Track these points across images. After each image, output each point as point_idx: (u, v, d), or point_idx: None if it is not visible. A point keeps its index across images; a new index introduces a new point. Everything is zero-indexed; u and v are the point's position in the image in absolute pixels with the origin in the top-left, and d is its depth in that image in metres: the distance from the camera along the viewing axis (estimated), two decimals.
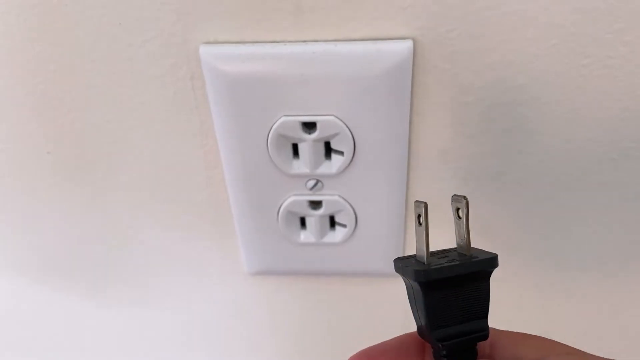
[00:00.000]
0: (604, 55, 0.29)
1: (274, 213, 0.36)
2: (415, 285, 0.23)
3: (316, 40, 0.30)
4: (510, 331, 0.25)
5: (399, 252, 0.38)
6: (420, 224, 0.23)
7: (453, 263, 0.23)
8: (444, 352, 0.23)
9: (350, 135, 0.32)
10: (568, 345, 0.23)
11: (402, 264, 0.24)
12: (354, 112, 0.31)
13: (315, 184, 0.35)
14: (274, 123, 0.32)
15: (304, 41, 0.30)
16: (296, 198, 0.35)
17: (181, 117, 0.34)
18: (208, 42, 0.30)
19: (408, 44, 0.29)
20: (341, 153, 0.33)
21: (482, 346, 0.25)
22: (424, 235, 0.23)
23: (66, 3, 0.30)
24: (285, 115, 0.32)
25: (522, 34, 0.29)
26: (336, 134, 0.32)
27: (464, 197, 0.24)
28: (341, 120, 0.31)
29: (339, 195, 0.35)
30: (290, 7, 0.29)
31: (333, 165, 0.33)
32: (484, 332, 0.24)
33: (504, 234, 0.37)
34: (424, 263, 0.23)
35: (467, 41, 0.29)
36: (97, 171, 0.37)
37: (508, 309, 0.41)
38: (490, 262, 0.24)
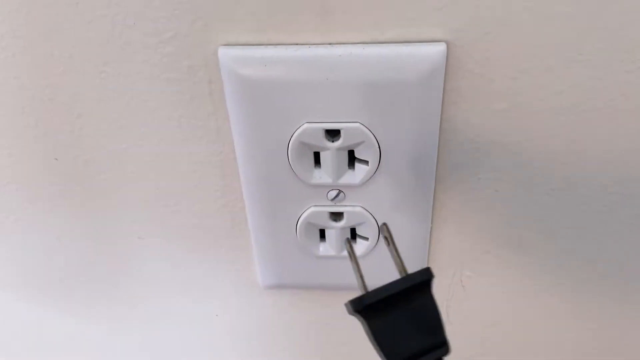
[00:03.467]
0: None
1: (293, 224, 0.35)
2: (359, 317, 0.22)
3: (342, 43, 0.28)
4: None
5: (423, 266, 0.36)
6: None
7: (386, 284, 0.23)
8: None
9: (377, 144, 0.30)
10: None
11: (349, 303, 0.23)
12: (381, 120, 0.29)
13: (337, 195, 0.33)
14: (296, 130, 0.30)
15: (330, 44, 0.28)
16: (316, 209, 0.34)
17: (197, 123, 0.32)
18: (227, 44, 0.29)
19: (441, 47, 0.27)
20: (365, 162, 0.31)
21: None
22: (357, 269, 0.24)
23: (77, 1, 0.28)
24: (307, 122, 0.30)
25: (563, 37, 0.27)
26: (361, 143, 0.30)
27: (384, 223, 0.25)
28: (367, 128, 0.30)
29: (362, 207, 0.33)
30: (316, 7, 0.27)
31: (357, 176, 0.32)
32: (444, 346, 0.22)
33: (537, 248, 0.35)
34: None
35: (503, 45, 0.27)
36: (107, 179, 0.35)
37: None
38: (422, 273, 0.23)
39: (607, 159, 0.31)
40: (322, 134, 0.30)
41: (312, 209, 0.33)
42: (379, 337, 0.22)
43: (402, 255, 0.36)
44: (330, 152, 0.31)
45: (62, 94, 0.32)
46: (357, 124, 0.30)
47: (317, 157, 0.31)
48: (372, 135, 0.30)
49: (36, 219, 0.38)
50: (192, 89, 0.30)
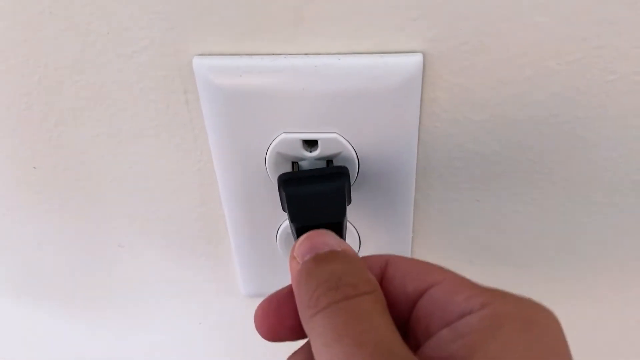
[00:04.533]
0: (630, 71, 0.27)
1: (273, 233, 0.34)
2: (281, 190, 0.28)
3: (318, 53, 0.28)
4: (402, 257, 0.23)
5: None
6: None
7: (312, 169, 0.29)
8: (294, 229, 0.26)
9: (355, 155, 0.30)
10: (449, 271, 0.21)
11: None
12: (358, 130, 0.29)
13: None
14: (273, 140, 0.30)
15: (306, 54, 0.28)
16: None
17: (174, 131, 0.31)
18: (202, 54, 0.28)
19: (417, 57, 0.27)
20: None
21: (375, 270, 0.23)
22: None
23: (51, 10, 0.28)
24: (284, 132, 0.29)
25: (542, 47, 0.26)
26: (339, 153, 0.30)
27: None
28: (345, 138, 0.29)
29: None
30: (291, 16, 0.27)
31: None
32: (339, 227, 0.27)
33: (521, 258, 0.35)
34: None
35: (481, 55, 0.27)
36: (85, 187, 0.35)
37: None
38: (340, 167, 0.28)
39: (588, 169, 0.31)
40: (299, 144, 0.30)
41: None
42: (290, 202, 0.27)
43: None
44: (308, 162, 0.30)
45: (38, 103, 0.31)
46: (335, 135, 0.29)
47: (296, 166, 0.31)
48: (350, 146, 0.29)
49: (15, 226, 0.37)
50: (168, 99, 0.30)
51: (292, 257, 0.22)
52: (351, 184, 0.31)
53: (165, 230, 0.36)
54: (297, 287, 0.21)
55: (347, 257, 0.21)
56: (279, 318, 0.22)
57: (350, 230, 0.33)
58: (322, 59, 0.27)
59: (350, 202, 0.30)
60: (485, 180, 0.31)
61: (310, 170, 0.29)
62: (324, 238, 0.22)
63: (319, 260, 0.21)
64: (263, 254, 0.36)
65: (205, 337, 0.43)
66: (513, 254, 0.35)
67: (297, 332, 0.22)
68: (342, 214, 0.27)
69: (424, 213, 0.33)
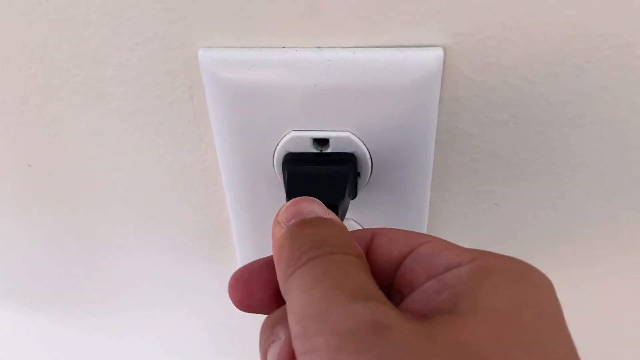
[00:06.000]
0: None
1: None
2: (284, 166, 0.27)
3: (332, 47, 0.26)
4: (390, 228, 0.22)
5: None
6: None
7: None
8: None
9: (368, 155, 0.28)
10: (431, 236, 0.20)
11: None
12: (372, 129, 0.27)
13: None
14: (282, 138, 0.28)
15: (319, 47, 0.26)
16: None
17: (178, 129, 0.30)
18: (209, 47, 0.27)
19: (438, 52, 0.25)
20: (357, 174, 0.29)
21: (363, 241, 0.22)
22: None
23: None
24: (294, 130, 0.28)
25: (570, 44, 0.25)
26: (352, 152, 0.28)
27: None
28: (358, 138, 0.28)
29: (353, 220, 0.31)
30: (304, 7, 0.25)
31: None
32: (336, 209, 0.25)
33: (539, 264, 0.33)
34: None
35: (507, 51, 0.25)
36: (83, 187, 0.33)
37: None
38: (347, 153, 0.27)
39: (612, 173, 0.29)
40: (309, 143, 0.28)
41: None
42: (290, 180, 0.27)
43: None
44: None
45: (34, 97, 0.30)
46: (347, 133, 0.28)
47: None
48: (364, 145, 0.28)
49: (10, 226, 0.36)
50: (171, 94, 0.29)
51: (276, 222, 0.21)
52: (364, 184, 0.29)
53: (167, 232, 0.34)
54: (279, 250, 0.20)
55: (334, 223, 0.20)
56: (249, 290, 0.22)
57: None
58: (336, 53, 0.26)
59: (355, 196, 0.28)
60: (506, 183, 0.30)
61: (318, 153, 0.28)
62: (310, 205, 0.21)
63: (304, 224, 0.20)
64: None
65: (206, 342, 0.41)
66: (530, 259, 0.34)
67: (267, 306, 0.21)
68: (340, 197, 0.26)
69: (438, 216, 0.32)
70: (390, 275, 0.20)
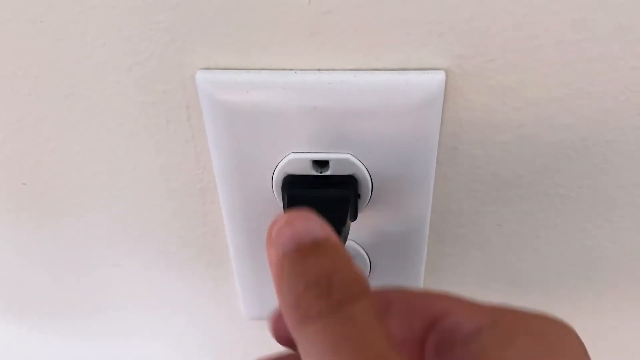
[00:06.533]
0: None
1: None
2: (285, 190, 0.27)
3: (333, 69, 0.26)
4: (403, 292, 0.22)
5: None
6: None
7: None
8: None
9: (368, 177, 0.28)
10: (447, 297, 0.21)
11: None
12: (373, 152, 0.27)
13: None
14: (281, 160, 0.28)
15: (319, 69, 0.26)
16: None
17: (175, 149, 0.29)
18: (206, 68, 0.26)
19: (440, 75, 0.25)
20: (357, 195, 0.29)
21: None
22: None
23: (42, 19, 0.26)
24: (293, 152, 0.27)
25: (573, 67, 0.25)
26: (351, 175, 0.28)
27: None
28: (358, 159, 0.27)
29: (353, 240, 0.31)
30: (304, 29, 0.25)
31: None
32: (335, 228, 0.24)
33: (541, 285, 0.33)
34: None
35: (509, 73, 0.25)
36: (79, 206, 0.32)
37: None
38: (348, 176, 0.27)
39: (616, 195, 0.29)
40: (309, 165, 0.28)
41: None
42: (290, 204, 0.26)
43: None
44: None
45: (29, 117, 0.29)
46: (348, 155, 0.27)
47: None
48: (364, 167, 0.28)
49: (5, 245, 0.35)
50: (168, 114, 0.28)
51: (270, 243, 0.20)
52: (364, 205, 0.29)
53: (164, 250, 0.34)
54: (280, 281, 0.19)
55: (334, 248, 0.20)
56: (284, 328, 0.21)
57: (361, 253, 0.31)
58: (337, 76, 0.25)
59: (355, 218, 0.28)
60: (508, 204, 0.29)
61: (317, 176, 0.27)
62: (306, 224, 0.20)
63: (303, 253, 0.19)
64: (266, 277, 0.34)
65: None
66: (531, 279, 0.33)
67: None
68: (342, 222, 0.26)
69: (439, 236, 0.31)
70: (414, 348, 0.21)
